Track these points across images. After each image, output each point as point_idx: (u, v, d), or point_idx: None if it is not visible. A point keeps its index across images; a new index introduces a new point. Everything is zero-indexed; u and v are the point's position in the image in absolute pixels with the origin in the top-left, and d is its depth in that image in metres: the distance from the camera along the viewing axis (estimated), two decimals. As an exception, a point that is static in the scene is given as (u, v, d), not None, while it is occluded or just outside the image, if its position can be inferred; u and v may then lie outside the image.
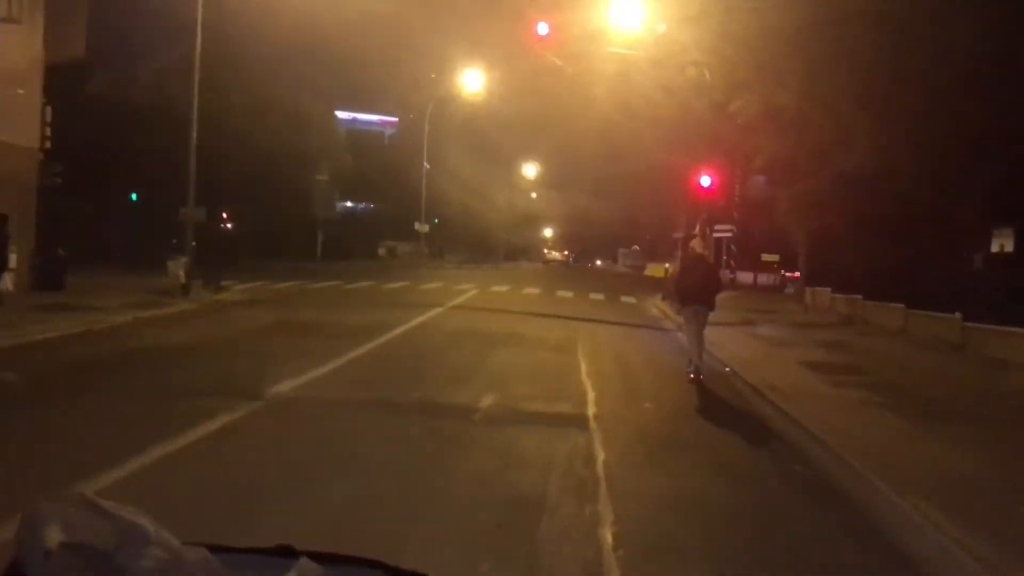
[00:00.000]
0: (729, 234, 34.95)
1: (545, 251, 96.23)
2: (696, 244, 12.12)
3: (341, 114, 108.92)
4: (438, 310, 19.07)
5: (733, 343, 15.08)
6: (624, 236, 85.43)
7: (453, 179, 67.81)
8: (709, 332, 11.67)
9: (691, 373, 10.88)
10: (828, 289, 22.92)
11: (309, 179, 42.89)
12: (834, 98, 20.12)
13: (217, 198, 38.80)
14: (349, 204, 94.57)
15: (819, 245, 26.18)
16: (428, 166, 51.57)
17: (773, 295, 32.71)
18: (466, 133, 70.77)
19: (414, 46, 75.07)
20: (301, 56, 46.32)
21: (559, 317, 19.06)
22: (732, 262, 35.14)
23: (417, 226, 49.90)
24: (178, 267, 19.54)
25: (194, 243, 20.45)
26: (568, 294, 28.08)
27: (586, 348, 13.80)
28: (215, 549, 1.19)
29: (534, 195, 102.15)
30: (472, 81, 49.42)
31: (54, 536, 1.08)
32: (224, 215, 41.33)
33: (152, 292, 18.92)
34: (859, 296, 19.92)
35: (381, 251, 53.34)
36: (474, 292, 25.86)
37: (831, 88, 20.28)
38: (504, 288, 28.70)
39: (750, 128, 25.19)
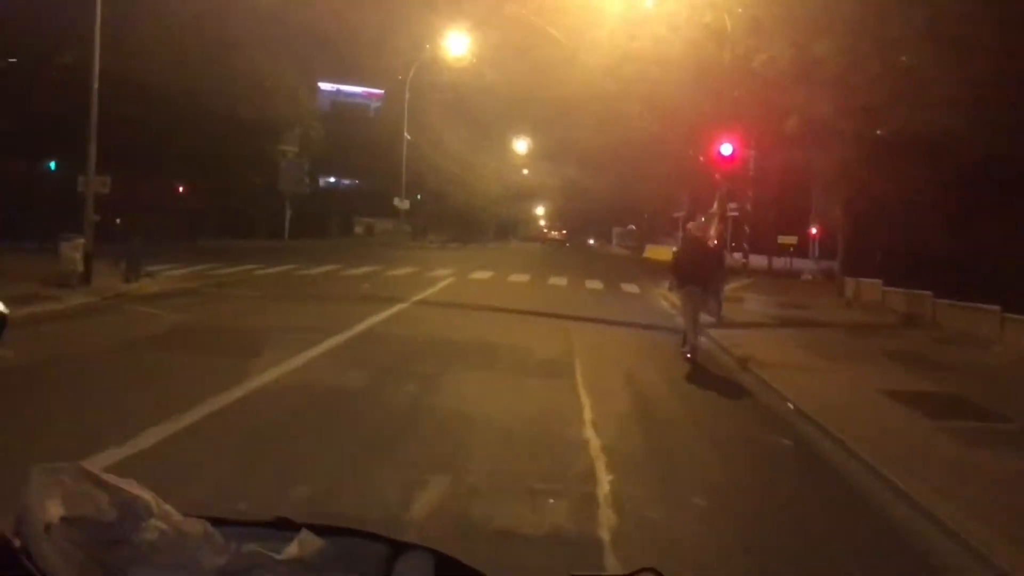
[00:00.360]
0: (736, 213, 31.15)
1: (544, 229, 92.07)
2: (693, 227, 12.88)
3: (324, 86, 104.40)
4: (397, 307, 15.22)
5: (778, 353, 11.35)
6: (620, 213, 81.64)
7: (439, 153, 63.80)
8: (745, 336, 11.81)
9: (687, 353, 11.02)
10: (878, 281, 19.02)
11: (278, 151, 38.92)
12: (892, 42, 16.21)
13: (170, 170, 34.92)
14: (332, 180, 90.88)
15: (860, 225, 22.30)
16: (409, 137, 47.50)
17: (792, 282, 28.94)
18: (453, 105, 66.91)
19: (401, 13, 70.76)
20: (277, 23, 42.63)
21: (550, 316, 15.22)
22: (745, 244, 31.26)
23: (397, 202, 45.90)
24: (74, 250, 15.51)
25: (97, 218, 16.50)
26: (561, 281, 24.27)
27: (588, 368, 10.02)
28: (216, 522, 1.19)
29: (526, 171, 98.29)
30: (457, 45, 45.24)
31: (54, 510, 1.06)
32: (180, 189, 37.38)
33: (43, 281, 15.04)
34: (927, 292, 16.04)
35: (358, 229, 49.32)
36: (450, 280, 21.99)
37: (888, 32, 16.36)
38: (487, 275, 24.86)
39: (777, 86, 21.24)
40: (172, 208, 34.61)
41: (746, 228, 31.23)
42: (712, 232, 18.97)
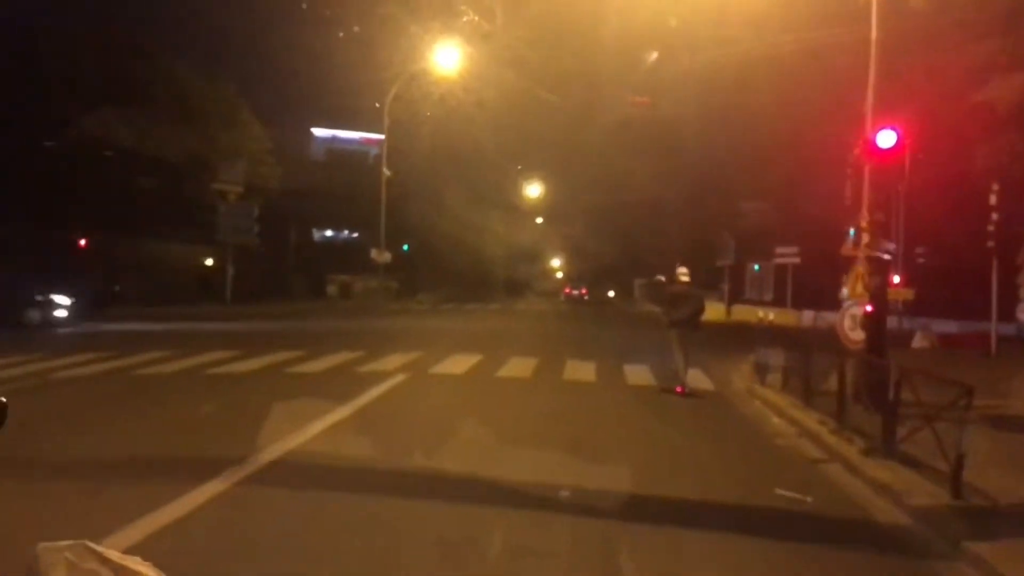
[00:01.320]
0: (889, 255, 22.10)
1: (564, 281, 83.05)
2: (681, 274, 14.39)
3: (319, 132, 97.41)
4: (232, 478, 6.24)
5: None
6: (644, 263, 72.82)
7: (437, 200, 55.97)
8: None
9: (677, 387, 12.89)
10: None
11: (213, 191, 30.39)
12: None
13: (62, 215, 26.49)
14: (328, 233, 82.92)
15: None
16: (388, 172, 38.95)
17: (938, 356, 20.05)
18: (454, 147, 59.58)
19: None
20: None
21: (578, 506, 6.14)
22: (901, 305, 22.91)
23: (374, 254, 37.12)
24: None
25: None
26: (586, 371, 15.22)
27: None
28: None
29: (539, 220, 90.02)
30: (451, 67, 37.08)
31: None
32: (82, 242, 28.72)
33: None
34: None
35: (331, 289, 40.49)
36: (394, 383, 12.63)
37: None
38: (468, 362, 15.68)
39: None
40: (64, 267, 25.92)
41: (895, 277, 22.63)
42: (859, 288, 11.79)
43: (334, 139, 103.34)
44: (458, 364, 15.19)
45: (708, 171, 51.29)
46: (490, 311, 38.47)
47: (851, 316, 11.72)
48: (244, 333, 21.48)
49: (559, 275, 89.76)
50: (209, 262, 31.90)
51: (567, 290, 74.02)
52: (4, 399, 1.27)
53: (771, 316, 31.14)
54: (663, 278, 69.82)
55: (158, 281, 29.51)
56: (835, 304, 31.77)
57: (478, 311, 37.62)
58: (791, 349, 13.64)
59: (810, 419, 10.30)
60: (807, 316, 33.13)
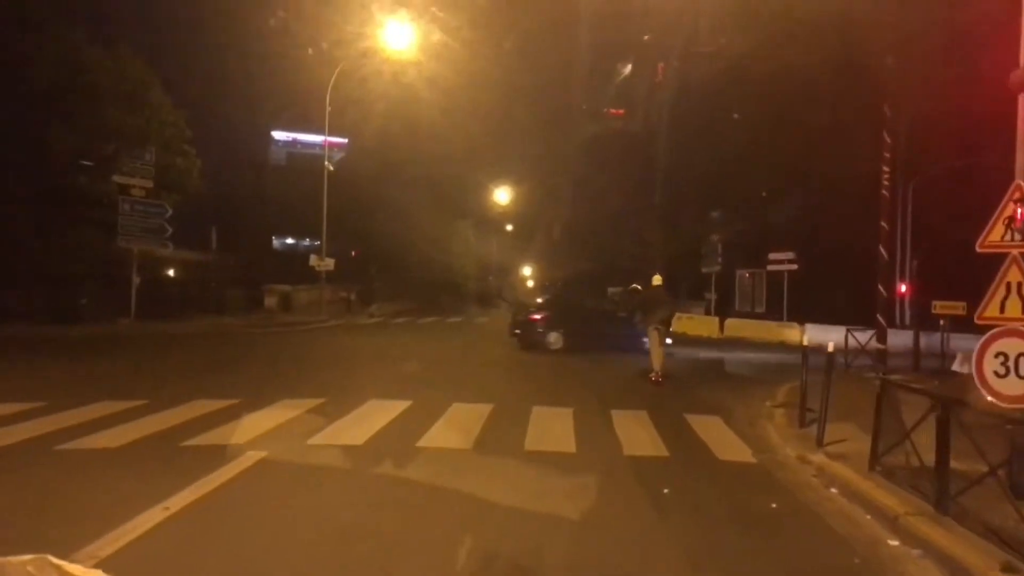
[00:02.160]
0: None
1: (532, 287, 78.42)
2: (655, 281, 16.54)
3: (279, 135, 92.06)
4: None
5: None
6: (616, 269, 68.56)
7: (396, 203, 51.64)
8: None
9: (652, 377, 15.25)
10: None
11: (112, 187, 25.34)
12: None
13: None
14: (290, 241, 78.08)
15: None
16: (331, 167, 34.13)
17: None
18: (417, 146, 55.49)
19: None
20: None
21: None
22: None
23: (314, 261, 32.22)
24: None
25: None
26: (560, 422, 10.53)
27: None
28: None
29: (510, 227, 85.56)
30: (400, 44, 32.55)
31: None
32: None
33: None
34: None
35: (269, 301, 35.48)
36: (242, 467, 7.48)
37: None
38: (384, 416, 10.63)
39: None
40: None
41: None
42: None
43: (295, 143, 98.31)
44: (367, 421, 10.29)
45: (686, 178, 47.89)
46: (448, 326, 33.49)
47: (997, 355, 7.04)
48: (94, 366, 16.45)
49: (530, 283, 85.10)
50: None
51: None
52: None
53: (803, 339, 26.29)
54: (639, 287, 65.35)
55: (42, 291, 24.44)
56: (838, 318, 27.41)
57: (434, 326, 32.65)
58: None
59: (961, 544, 5.72)
60: (812, 332, 28.55)
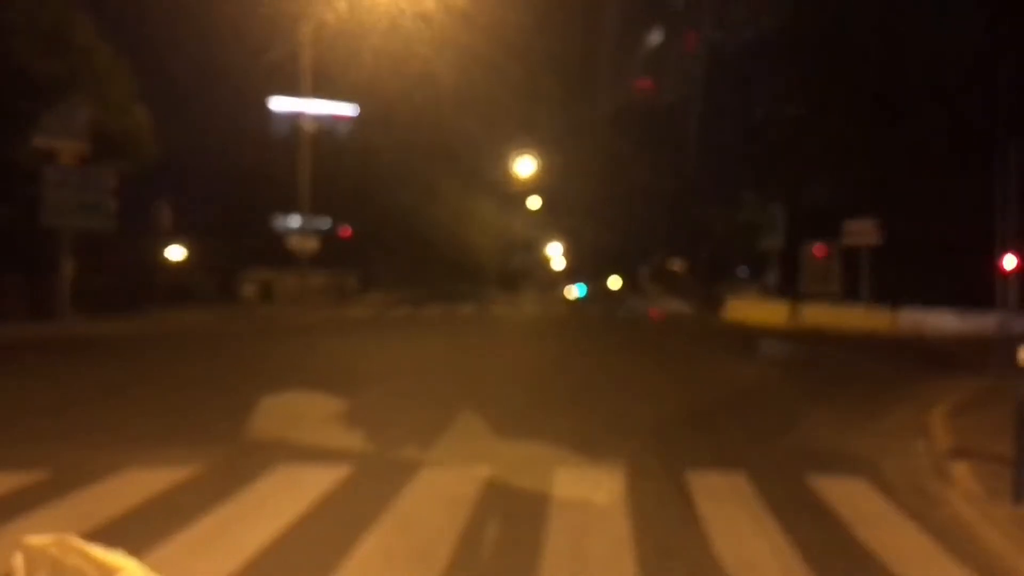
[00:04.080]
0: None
1: (562, 270, 73.65)
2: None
3: (279, 107, 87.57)
4: None
5: None
6: (649, 249, 63.66)
7: (405, 175, 47.18)
8: None
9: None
10: None
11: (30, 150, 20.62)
12: None
13: None
14: (292, 222, 73.84)
15: None
16: (313, 126, 29.23)
17: None
18: (430, 116, 51.09)
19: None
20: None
21: None
22: None
23: (295, 242, 27.41)
24: None
25: None
26: (604, 515, 5.47)
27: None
28: None
29: (535, 201, 79.93)
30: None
31: None
32: None
33: None
34: None
35: (247, 289, 30.70)
36: None
37: None
38: (299, 501, 5.85)
39: None
40: None
41: None
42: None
43: (299, 115, 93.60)
44: (255, 519, 5.44)
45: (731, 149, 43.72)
46: (455, 319, 28.30)
47: None
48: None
49: (557, 264, 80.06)
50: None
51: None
52: None
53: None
54: (677, 265, 60.55)
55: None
56: (937, 301, 22.16)
57: (437, 320, 27.55)
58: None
59: None
60: (907, 317, 23.42)
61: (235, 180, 43.27)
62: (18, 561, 1.09)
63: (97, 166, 21.76)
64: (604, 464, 7.35)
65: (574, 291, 61.02)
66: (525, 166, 63.35)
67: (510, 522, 5.66)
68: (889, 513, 6.17)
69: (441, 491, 6.37)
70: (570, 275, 73.79)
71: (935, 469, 7.67)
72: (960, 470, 7.44)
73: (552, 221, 73.28)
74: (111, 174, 21.87)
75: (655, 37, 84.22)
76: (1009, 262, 25.42)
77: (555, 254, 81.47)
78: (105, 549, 1.12)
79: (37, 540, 1.13)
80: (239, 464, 7.02)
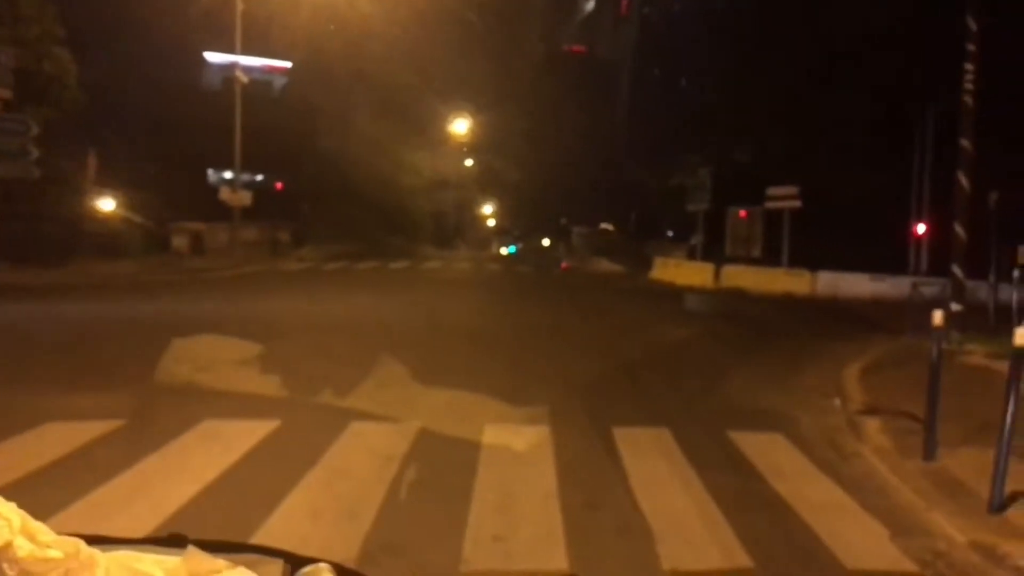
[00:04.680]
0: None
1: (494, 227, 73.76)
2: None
3: (213, 58, 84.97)
4: None
5: None
6: (581, 208, 64.02)
7: (340, 130, 46.50)
8: None
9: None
10: None
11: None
12: None
13: None
14: (227, 175, 72.16)
15: None
16: (245, 78, 28.46)
17: None
18: (363, 68, 50.21)
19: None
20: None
21: None
22: None
23: (225, 195, 26.83)
24: None
25: None
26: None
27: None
28: (94, 540, 1.07)
29: (470, 162, 79.70)
30: None
31: None
32: None
33: None
34: None
35: (177, 242, 29.99)
36: None
37: None
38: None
39: None
40: None
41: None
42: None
43: (233, 67, 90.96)
44: (184, 472, 5.40)
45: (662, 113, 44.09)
46: (388, 273, 28.24)
47: None
48: None
49: (491, 223, 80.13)
50: None
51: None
52: None
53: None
54: (610, 226, 61.10)
55: None
56: (854, 265, 22.86)
57: (370, 274, 27.40)
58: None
59: None
60: (824, 280, 24.12)
61: (167, 131, 41.99)
62: None
63: (19, 112, 20.87)
64: (531, 416, 7.47)
65: (505, 250, 61.34)
66: (461, 125, 62.95)
67: (437, 475, 5.74)
68: (805, 467, 6.42)
69: (367, 444, 6.41)
70: (502, 234, 73.96)
71: (849, 425, 7.99)
72: (872, 426, 7.78)
73: (487, 179, 73.11)
74: (34, 121, 21.01)
75: (589, 2, 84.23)
76: (920, 228, 26.45)
77: (488, 212, 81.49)
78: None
79: None
80: (161, 415, 6.93)
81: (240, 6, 27.23)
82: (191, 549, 1.11)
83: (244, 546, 1.23)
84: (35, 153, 21.19)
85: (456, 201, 75.68)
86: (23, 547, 1.00)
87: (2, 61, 20.55)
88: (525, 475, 5.80)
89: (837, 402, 8.99)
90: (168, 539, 1.21)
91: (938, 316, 7.06)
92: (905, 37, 25.54)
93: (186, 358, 9.40)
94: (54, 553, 1.01)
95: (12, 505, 1.05)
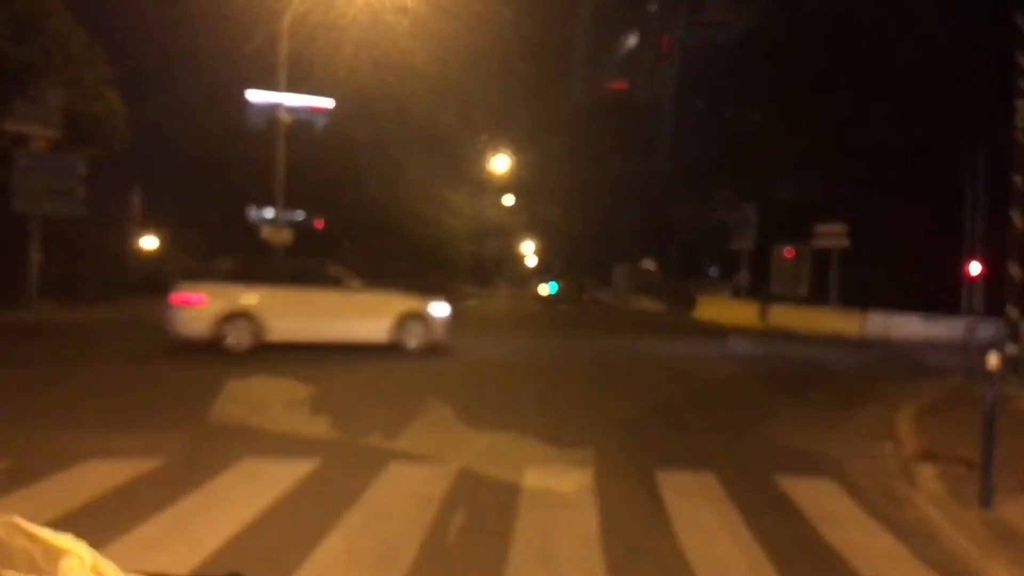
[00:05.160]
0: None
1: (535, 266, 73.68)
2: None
3: (255, 98, 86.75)
4: None
5: None
6: (621, 246, 63.63)
7: (381, 169, 47.02)
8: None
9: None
10: None
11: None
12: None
13: None
14: (269, 214, 73.32)
15: None
16: (289, 118, 28.97)
17: None
18: (406, 110, 50.76)
19: None
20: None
21: None
22: None
23: (267, 233, 27.19)
24: None
25: None
26: None
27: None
28: None
29: (510, 199, 79.92)
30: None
31: None
32: None
33: None
34: None
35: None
36: None
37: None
38: None
39: None
40: None
41: None
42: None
43: (276, 107, 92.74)
44: (215, 513, 5.36)
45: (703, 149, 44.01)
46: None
47: None
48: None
49: (531, 261, 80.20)
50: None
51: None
52: None
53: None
54: (652, 264, 60.77)
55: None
56: (904, 304, 22.40)
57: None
58: None
59: None
60: (875, 321, 23.65)
61: (210, 170, 42.86)
62: None
63: (68, 152, 21.43)
64: (574, 459, 7.34)
65: (545, 288, 61.16)
66: (500, 162, 63.28)
67: (478, 518, 5.63)
68: (855, 514, 6.19)
69: (404, 487, 6.33)
70: (542, 273, 73.95)
71: (902, 471, 7.71)
72: (926, 473, 7.50)
73: (526, 219, 73.32)
74: (82, 160, 21.54)
75: (631, 39, 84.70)
76: (974, 268, 25.81)
77: (528, 252, 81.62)
78: (52, 533, 1.11)
79: None
80: (203, 454, 6.92)
81: (284, 47, 27.70)
82: None
83: None
84: (82, 192, 21.70)
85: (496, 239, 75.97)
86: None
87: (50, 102, 21.15)
88: (566, 519, 5.66)
89: (889, 446, 8.72)
90: None
91: (993, 359, 6.82)
92: (954, 72, 25.28)
93: (240, 399, 9.51)
94: None
95: (84, 543, 1.08)
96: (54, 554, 1.07)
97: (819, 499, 6.49)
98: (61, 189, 21.12)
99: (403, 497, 6.01)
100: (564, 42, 72.18)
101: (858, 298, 24.79)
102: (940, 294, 25.28)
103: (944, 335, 21.58)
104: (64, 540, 1.11)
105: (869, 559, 5.07)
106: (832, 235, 26.74)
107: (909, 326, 22.90)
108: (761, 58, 34.10)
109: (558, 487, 6.45)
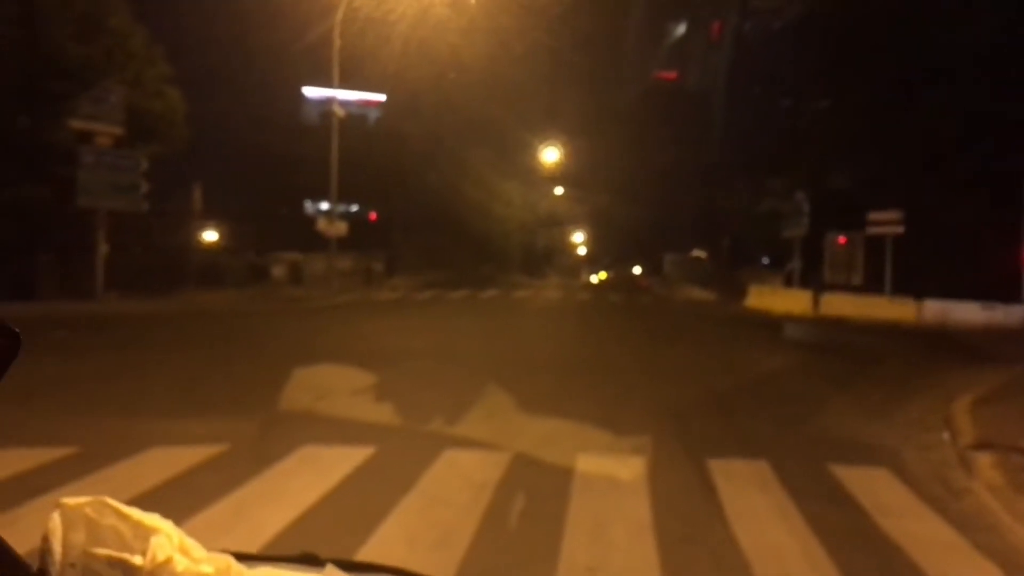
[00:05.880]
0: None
1: (585, 255, 73.97)
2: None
3: (310, 93, 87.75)
4: None
5: None
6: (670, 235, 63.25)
7: (432, 161, 47.32)
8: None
9: None
10: None
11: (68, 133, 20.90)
12: None
13: None
14: (324, 206, 74.48)
15: None
16: (341, 112, 29.29)
17: None
18: (457, 102, 51.02)
19: None
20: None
21: None
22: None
23: (322, 225, 27.62)
24: None
25: None
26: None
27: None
28: (241, 557, 1.15)
29: (560, 190, 79.93)
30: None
31: (79, 544, 1.06)
32: None
33: None
34: None
35: (276, 271, 31.05)
36: None
37: None
38: None
39: None
40: None
41: None
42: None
43: (330, 101, 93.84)
44: (275, 500, 5.56)
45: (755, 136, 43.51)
46: (480, 302, 28.48)
47: None
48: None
49: (581, 251, 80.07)
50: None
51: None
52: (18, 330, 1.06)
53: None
54: (702, 253, 60.38)
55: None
56: (960, 292, 21.97)
57: (462, 303, 27.72)
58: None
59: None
60: (931, 309, 23.25)
61: (266, 164, 43.66)
62: (55, 522, 1.09)
63: (130, 148, 22.05)
64: (627, 447, 7.42)
65: (595, 278, 61.15)
66: (551, 154, 63.22)
67: (533, 503, 5.74)
68: (911, 503, 6.16)
69: (460, 471, 6.46)
70: (593, 262, 73.83)
71: (959, 460, 7.64)
72: (984, 461, 7.42)
73: (577, 209, 73.21)
74: (143, 156, 22.16)
75: (680, 28, 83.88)
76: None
77: (578, 241, 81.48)
78: (141, 512, 1.14)
79: (73, 501, 1.13)
80: (267, 440, 7.14)
81: (337, 42, 28.09)
82: (330, 567, 1.16)
83: (379, 567, 1.25)
84: (144, 188, 22.30)
85: (546, 229, 75.96)
86: (180, 562, 1.07)
87: (112, 99, 21.76)
88: (619, 505, 5.74)
89: (946, 436, 8.63)
90: (302, 557, 1.26)
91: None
92: (1011, 57, 24.66)
93: (307, 386, 9.78)
94: (207, 568, 1.08)
95: (170, 523, 1.10)
96: (144, 532, 1.10)
97: (874, 488, 6.47)
98: (124, 184, 21.75)
99: (459, 483, 6.15)
100: (615, 32, 71.71)
101: (912, 286, 24.35)
102: (998, 283, 24.72)
103: (1004, 322, 21.14)
104: (153, 519, 1.14)
105: (926, 549, 5.06)
106: (887, 223, 26.30)
107: (967, 313, 22.46)
108: (816, 44, 33.59)
109: (612, 474, 6.54)
